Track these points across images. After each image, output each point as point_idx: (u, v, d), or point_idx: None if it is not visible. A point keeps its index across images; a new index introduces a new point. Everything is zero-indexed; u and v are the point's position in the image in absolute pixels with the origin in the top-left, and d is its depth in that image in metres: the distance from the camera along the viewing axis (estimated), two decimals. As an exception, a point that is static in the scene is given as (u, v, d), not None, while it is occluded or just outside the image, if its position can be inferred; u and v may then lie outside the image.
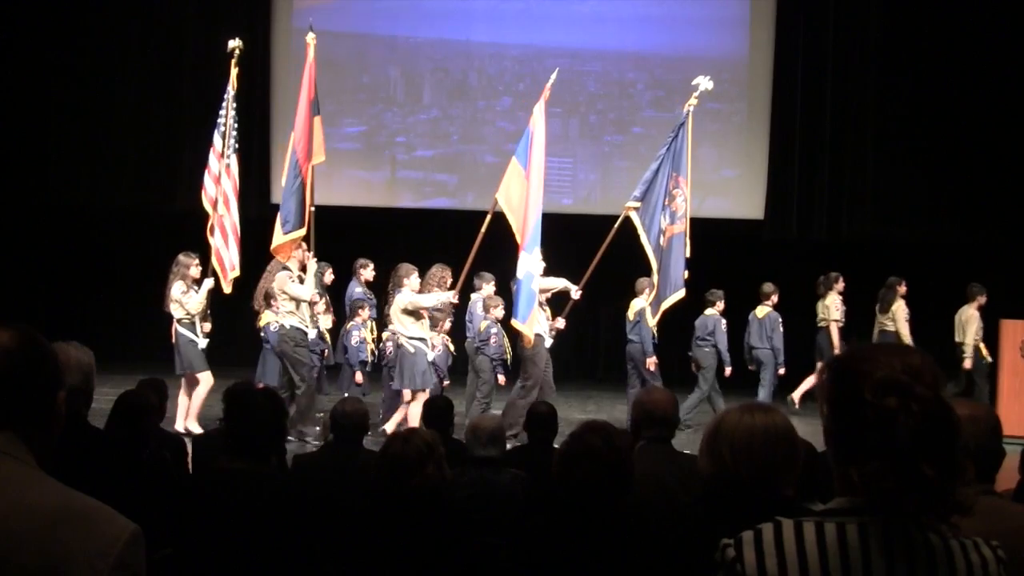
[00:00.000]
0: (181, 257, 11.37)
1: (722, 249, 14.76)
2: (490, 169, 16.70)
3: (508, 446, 6.42)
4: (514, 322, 11.01)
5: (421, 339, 11.16)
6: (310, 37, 11.55)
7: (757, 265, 11.69)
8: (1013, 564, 2.27)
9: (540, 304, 11.40)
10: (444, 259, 11.79)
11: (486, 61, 16.78)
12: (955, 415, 2.06)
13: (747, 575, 2.09)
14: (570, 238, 13.20)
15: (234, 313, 13.14)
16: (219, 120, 11.69)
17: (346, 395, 10.86)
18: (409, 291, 11.16)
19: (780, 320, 12.84)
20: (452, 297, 11.30)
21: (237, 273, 11.48)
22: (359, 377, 11.85)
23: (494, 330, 11.84)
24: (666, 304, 11.33)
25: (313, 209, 11.16)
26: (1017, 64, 15.29)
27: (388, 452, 4.05)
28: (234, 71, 11.76)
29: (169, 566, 3.57)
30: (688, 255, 11.31)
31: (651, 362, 12.17)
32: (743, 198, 16.32)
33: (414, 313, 11.14)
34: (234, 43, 11.87)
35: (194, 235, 12.40)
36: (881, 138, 16.04)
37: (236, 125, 11.67)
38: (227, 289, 11.48)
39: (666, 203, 11.30)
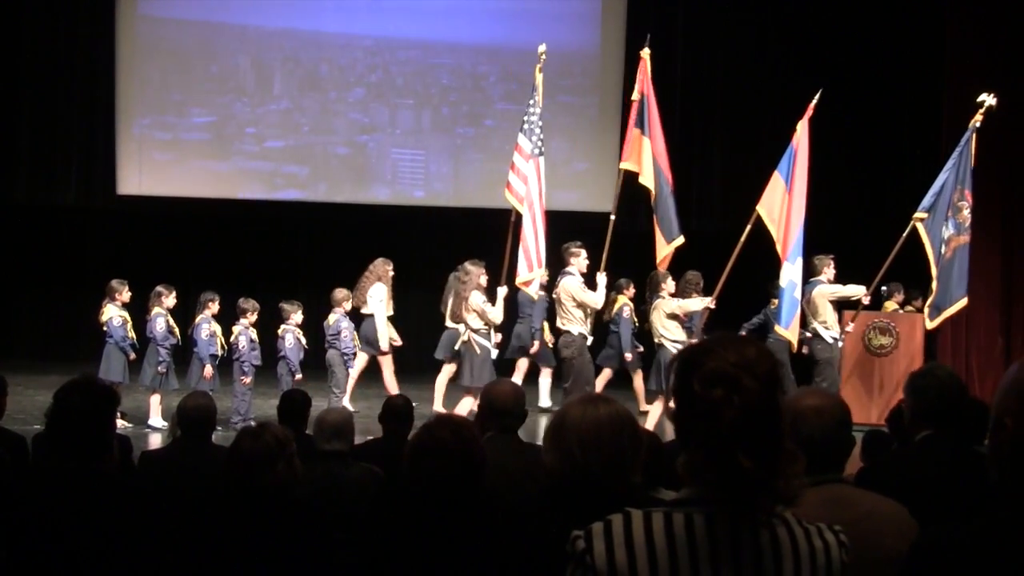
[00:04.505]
0: (470, 267, 11.29)
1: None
2: (341, 161, 16.57)
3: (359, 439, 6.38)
4: (778, 328, 11.32)
5: (683, 343, 11.20)
6: (645, 52, 11.32)
7: (609, 258, 11.82)
8: (863, 548, 2.33)
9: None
10: (309, 253, 11.61)
11: (337, 52, 16.63)
12: (780, 408, 2.10)
13: (597, 566, 2.09)
14: (422, 230, 13.15)
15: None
16: (526, 122, 11.27)
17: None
18: (669, 296, 11.33)
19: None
20: (710, 302, 11.34)
21: (543, 270, 11.39)
22: (208, 371, 11.66)
23: (344, 324, 12.09)
24: (947, 313, 11.77)
25: (614, 218, 11.40)
26: (867, 57, 15.71)
27: (239, 448, 3.98)
28: (539, 76, 11.28)
29: (2, 569, 3.45)
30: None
31: None
32: (594, 191, 16.45)
33: (677, 317, 11.27)
34: (541, 48, 11.39)
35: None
36: (729, 131, 16.33)
37: (541, 126, 11.28)
38: (532, 292, 11.52)
39: (949, 214, 11.62)
